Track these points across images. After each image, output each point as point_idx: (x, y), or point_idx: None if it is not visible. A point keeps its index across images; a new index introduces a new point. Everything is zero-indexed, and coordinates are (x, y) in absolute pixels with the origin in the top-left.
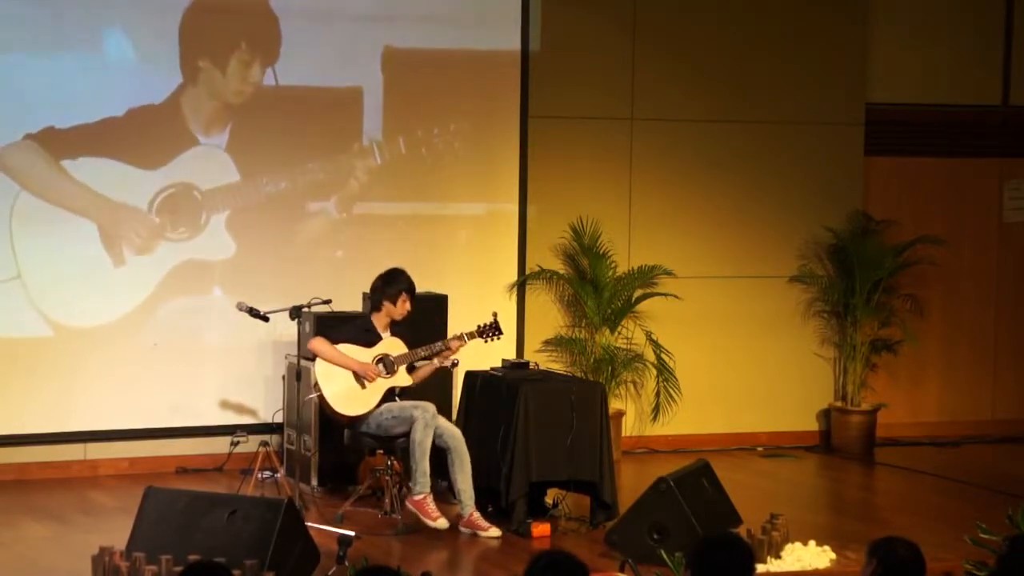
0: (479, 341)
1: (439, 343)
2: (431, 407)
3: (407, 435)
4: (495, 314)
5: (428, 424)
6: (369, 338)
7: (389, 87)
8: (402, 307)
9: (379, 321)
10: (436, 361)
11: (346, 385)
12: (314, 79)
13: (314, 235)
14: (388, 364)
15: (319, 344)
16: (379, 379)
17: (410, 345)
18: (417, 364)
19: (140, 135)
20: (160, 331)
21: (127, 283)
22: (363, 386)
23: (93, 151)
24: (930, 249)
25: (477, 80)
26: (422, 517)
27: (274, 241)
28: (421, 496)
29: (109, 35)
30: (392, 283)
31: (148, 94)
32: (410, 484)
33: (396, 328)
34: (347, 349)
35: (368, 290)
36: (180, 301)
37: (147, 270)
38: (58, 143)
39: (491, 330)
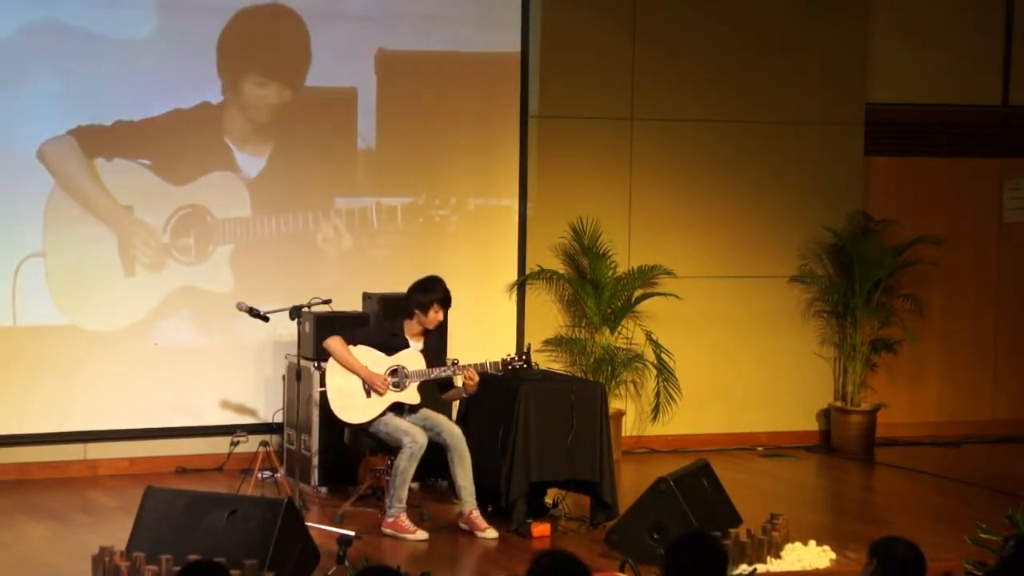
0: (484, 347)
1: (451, 368)
2: (421, 437)
3: (397, 451)
4: (529, 346)
5: (414, 454)
6: (394, 343)
7: (386, 87)
8: (434, 317)
9: (410, 328)
10: (460, 389)
11: (351, 390)
12: (311, 81)
13: (314, 235)
14: (401, 377)
15: (334, 343)
16: (388, 392)
17: (434, 363)
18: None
19: (177, 138)
20: (161, 331)
21: (136, 292)
22: (368, 395)
23: (128, 153)
24: (930, 249)
25: (477, 80)
26: (400, 535)
27: (273, 241)
28: (393, 517)
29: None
30: (425, 292)
31: (188, 97)
32: (385, 507)
33: (430, 337)
34: (363, 353)
35: (368, 290)
36: (183, 307)
37: (154, 282)
38: (97, 141)
39: (520, 361)
